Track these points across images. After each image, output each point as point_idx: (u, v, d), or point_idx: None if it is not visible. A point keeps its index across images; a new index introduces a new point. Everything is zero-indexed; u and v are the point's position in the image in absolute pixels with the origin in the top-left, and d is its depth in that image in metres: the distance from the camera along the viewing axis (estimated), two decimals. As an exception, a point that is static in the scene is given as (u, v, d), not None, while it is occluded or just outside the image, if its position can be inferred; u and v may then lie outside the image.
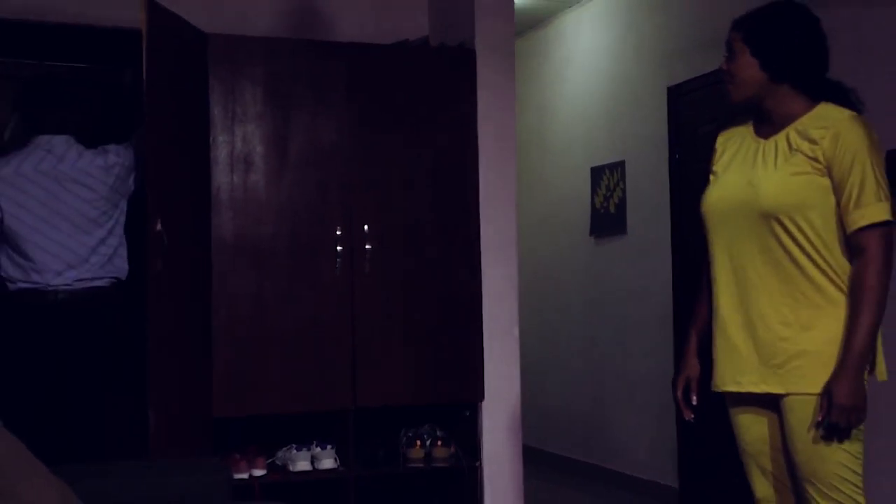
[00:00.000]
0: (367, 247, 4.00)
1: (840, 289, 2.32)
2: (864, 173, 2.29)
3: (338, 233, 3.97)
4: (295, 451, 3.97)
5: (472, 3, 4.20)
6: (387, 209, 4.06)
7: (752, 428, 2.45)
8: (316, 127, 3.99)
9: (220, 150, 3.86)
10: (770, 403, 2.39)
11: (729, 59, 2.46)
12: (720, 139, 2.58)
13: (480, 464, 4.15)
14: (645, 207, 5.23)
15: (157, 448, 3.31)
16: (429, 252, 4.11)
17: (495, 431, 4.19)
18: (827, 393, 2.26)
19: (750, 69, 2.40)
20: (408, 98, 4.12)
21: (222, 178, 3.86)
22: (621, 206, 5.43)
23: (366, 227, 4.00)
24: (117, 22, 3.86)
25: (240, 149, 3.89)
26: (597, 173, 5.67)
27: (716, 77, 4.67)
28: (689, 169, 4.86)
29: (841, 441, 2.27)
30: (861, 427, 2.30)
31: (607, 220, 5.57)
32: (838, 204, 2.32)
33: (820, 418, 2.26)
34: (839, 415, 2.24)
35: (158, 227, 3.38)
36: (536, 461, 5.49)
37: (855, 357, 2.26)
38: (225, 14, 4.21)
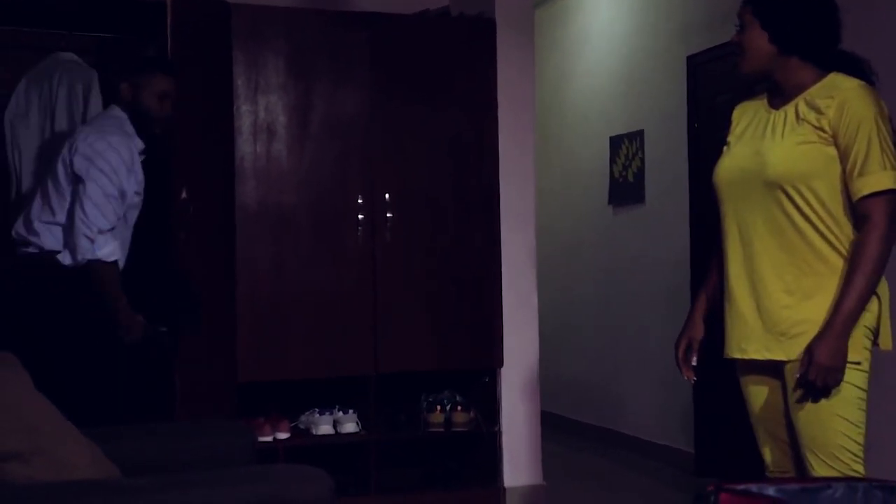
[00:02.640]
0: (389, 215, 4.05)
1: (845, 258, 2.34)
2: (870, 141, 2.29)
3: (359, 201, 4.02)
4: (318, 416, 4.05)
5: (492, -27, 4.22)
6: (408, 178, 4.11)
7: (761, 395, 2.49)
8: (337, 97, 4.03)
9: (244, 121, 3.91)
10: (776, 371, 2.42)
11: (739, 31, 2.45)
12: (736, 111, 2.59)
13: (499, 428, 4.21)
14: (663, 177, 5.25)
15: (183, 411, 3.39)
16: (449, 220, 4.15)
17: (514, 397, 4.25)
18: (808, 351, 2.30)
19: (759, 41, 2.40)
20: (428, 68, 4.15)
21: (246, 147, 3.91)
22: (639, 175, 5.44)
23: (387, 195, 4.05)
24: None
25: (263, 119, 3.94)
26: (615, 143, 5.68)
27: (734, 46, 4.68)
28: (708, 138, 4.87)
29: (816, 400, 2.30)
30: (863, 396, 2.32)
31: (626, 189, 5.59)
32: (844, 172, 2.33)
33: (798, 375, 2.30)
34: (816, 374, 2.27)
35: (184, 195, 3.45)
36: (554, 426, 5.55)
37: (841, 319, 2.27)
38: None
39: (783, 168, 2.35)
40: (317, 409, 4.08)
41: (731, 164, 2.49)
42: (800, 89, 2.40)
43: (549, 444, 4.54)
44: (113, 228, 3.25)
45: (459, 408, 4.21)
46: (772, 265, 2.38)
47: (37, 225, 3.31)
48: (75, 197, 3.25)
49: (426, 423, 4.18)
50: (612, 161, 5.71)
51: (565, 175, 6.22)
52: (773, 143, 2.39)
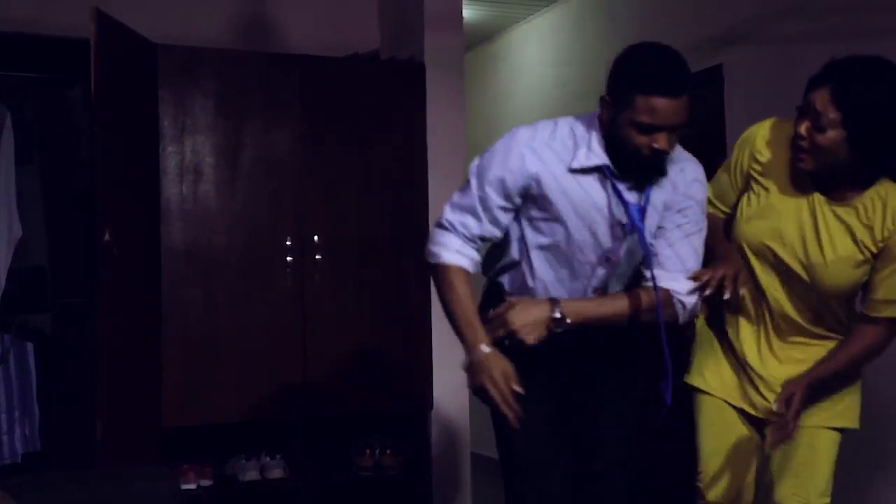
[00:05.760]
0: (318, 257, 4.02)
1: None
2: None
3: (288, 243, 3.99)
4: (244, 462, 3.97)
5: (422, 18, 4.26)
6: (338, 219, 4.09)
7: None
8: (267, 138, 4.01)
9: (169, 161, 3.86)
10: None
11: (815, 128, 2.19)
12: (766, 153, 2.37)
13: (430, 472, 4.18)
14: (591, 219, 5.31)
15: (105, 458, 3.29)
16: (379, 262, 4.14)
17: (444, 439, 4.22)
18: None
19: (840, 151, 2.19)
20: (359, 110, 4.16)
21: (171, 188, 3.86)
22: (568, 217, 5.51)
23: (316, 237, 4.03)
24: (66, 32, 3.84)
25: (189, 159, 3.89)
26: (544, 185, 5.74)
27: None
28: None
29: None
30: None
31: (555, 231, 5.65)
32: (869, 279, 2.34)
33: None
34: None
35: (107, 237, 3.38)
36: (485, 469, 5.52)
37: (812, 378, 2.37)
38: (175, 25, 4.22)
39: (832, 288, 2.34)
40: (243, 455, 4.00)
41: (776, 245, 2.36)
42: (851, 189, 2.29)
43: (480, 486, 4.51)
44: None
45: (389, 451, 4.17)
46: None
47: None
48: None
49: (356, 466, 4.13)
50: (541, 203, 5.77)
51: (495, 217, 6.26)
52: (825, 257, 2.31)
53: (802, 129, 2.21)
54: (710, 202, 2.52)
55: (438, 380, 4.20)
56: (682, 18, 4.68)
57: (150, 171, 3.80)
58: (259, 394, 3.92)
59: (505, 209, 2.36)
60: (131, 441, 3.53)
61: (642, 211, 2.27)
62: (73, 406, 4.05)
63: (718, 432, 2.53)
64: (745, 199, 2.43)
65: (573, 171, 2.30)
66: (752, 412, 2.49)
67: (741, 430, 2.51)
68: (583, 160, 2.30)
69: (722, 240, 2.45)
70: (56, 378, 4.18)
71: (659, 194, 2.30)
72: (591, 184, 2.30)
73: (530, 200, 2.34)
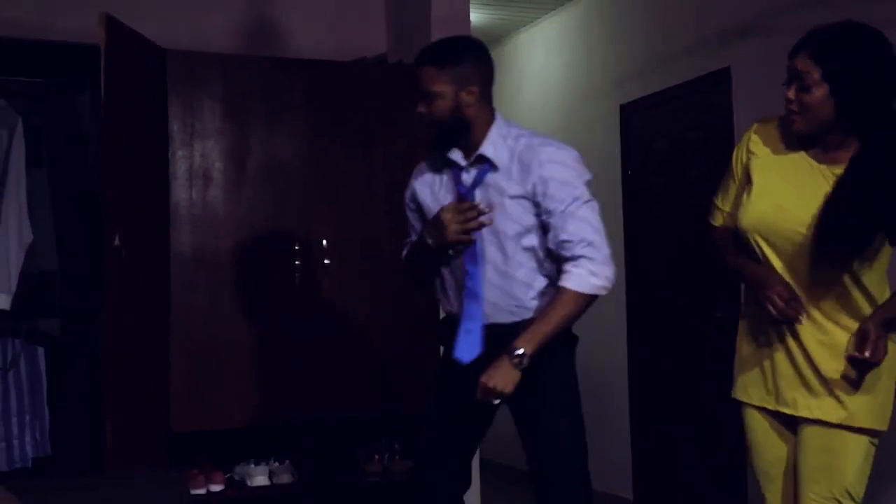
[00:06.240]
0: (326, 261, 4.02)
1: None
2: None
3: (296, 247, 3.99)
4: (253, 466, 3.97)
5: (429, 22, 4.27)
6: (345, 223, 4.09)
7: None
8: (274, 142, 4.02)
9: (179, 166, 3.87)
10: None
11: (800, 89, 2.31)
12: (754, 141, 2.47)
13: (438, 476, 4.17)
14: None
15: (114, 462, 3.30)
16: (386, 265, 4.14)
17: (452, 444, 4.21)
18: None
19: (825, 107, 2.29)
20: (365, 114, 4.16)
21: (181, 193, 3.87)
22: (576, 221, 5.50)
23: (324, 241, 4.03)
24: (75, 38, 3.86)
25: (199, 164, 3.90)
26: (552, 189, 5.74)
27: (666, 95, 4.79)
28: (642, 183, 4.95)
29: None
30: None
31: (562, 234, 5.64)
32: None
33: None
34: None
35: (116, 241, 3.38)
36: (493, 474, 5.52)
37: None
38: (184, 30, 4.24)
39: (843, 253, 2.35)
40: (252, 460, 4.00)
41: (777, 216, 2.40)
42: (847, 152, 2.35)
43: (488, 491, 4.51)
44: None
45: (397, 456, 4.16)
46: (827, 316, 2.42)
47: None
48: None
49: (364, 471, 4.13)
50: (549, 207, 5.76)
51: (503, 221, 6.25)
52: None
53: (790, 93, 2.33)
54: (718, 209, 2.61)
55: (447, 384, 4.19)
56: (689, 21, 4.68)
57: (159, 175, 3.81)
58: (267, 398, 3.93)
59: (416, 220, 2.74)
60: (140, 445, 3.54)
61: (468, 191, 2.54)
62: (82, 410, 4.06)
63: (759, 440, 2.58)
64: (746, 189, 2.49)
65: (438, 169, 2.64)
66: (786, 410, 2.48)
67: (775, 435, 2.54)
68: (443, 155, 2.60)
69: (747, 262, 2.47)
70: (65, 382, 4.20)
71: (499, 177, 2.54)
72: (449, 176, 2.62)
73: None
